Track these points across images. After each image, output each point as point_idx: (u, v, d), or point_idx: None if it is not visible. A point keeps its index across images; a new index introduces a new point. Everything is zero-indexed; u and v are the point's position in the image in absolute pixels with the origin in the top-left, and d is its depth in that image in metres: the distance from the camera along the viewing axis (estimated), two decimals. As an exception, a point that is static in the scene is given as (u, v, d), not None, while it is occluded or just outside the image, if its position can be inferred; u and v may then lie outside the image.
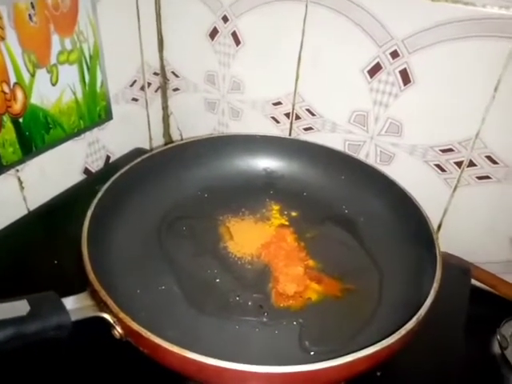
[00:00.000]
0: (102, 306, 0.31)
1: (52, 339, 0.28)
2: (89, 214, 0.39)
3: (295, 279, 0.42)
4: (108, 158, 0.66)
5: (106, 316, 0.31)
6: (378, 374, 0.38)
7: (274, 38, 0.58)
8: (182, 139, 0.76)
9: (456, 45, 0.46)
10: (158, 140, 0.77)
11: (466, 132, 0.50)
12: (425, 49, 0.48)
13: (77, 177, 0.62)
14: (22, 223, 0.54)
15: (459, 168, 0.53)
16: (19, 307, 0.27)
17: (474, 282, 0.53)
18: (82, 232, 0.36)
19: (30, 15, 0.48)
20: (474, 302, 0.47)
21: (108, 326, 0.31)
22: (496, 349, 0.47)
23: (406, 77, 0.51)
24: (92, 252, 0.35)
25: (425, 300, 0.33)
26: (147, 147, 0.74)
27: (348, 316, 0.40)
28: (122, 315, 0.30)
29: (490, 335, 0.48)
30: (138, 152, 0.68)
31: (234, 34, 0.60)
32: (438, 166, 0.54)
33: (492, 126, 0.49)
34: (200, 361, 0.27)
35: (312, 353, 0.36)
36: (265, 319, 0.39)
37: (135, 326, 0.29)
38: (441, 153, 0.53)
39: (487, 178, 0.51)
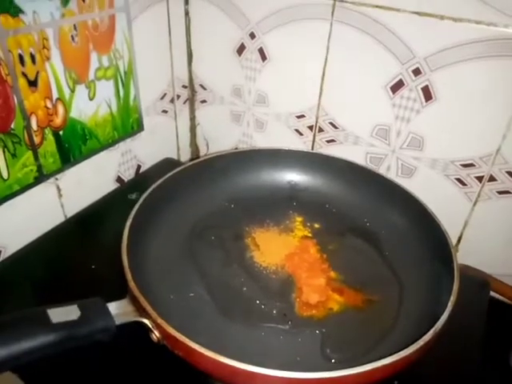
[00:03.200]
0: (141, 311, 0.33)
1: (97, 342, 0.31)
2: (128, 224, 0.41)
3: (318, 290, 0.44)
4: (139, 167, 0.69)
5: (146, 321, 0.33)
6: (396, 382, 0.40)
7: (299, 54, 0.59)
8: (207, 149, 0.78)
9: (478, 64, 0.47)
10: (185, 150, 0.79)
11: (486, 148, 0.51)
12: (447, 67, 0.49)
13: (110, 185, 0.65)
14: (60, 229, 0.57)
15: (480, 182, 0.53)
16: (71, 312, 0.29)
17: (492, 294, 0.53)
18: (122, 241, 0.38)
19: (72, 36, 0.51)
20: (493, 314, 0.48)
21: (146, 331, 0.34)
22: (514, 361, 0.47)
23: (427, 93, 0.52)
24: (131, 260, 0.37)
25: (442, 313, 0.35)
26: (175, 157, 0.77)
27: (368, 326, 0.41)
28: (160, 321, 0.32)
29: (508, 348, 0.48)
30: (166, 162, 0.71)
31: (261, 50, 0.62)
32: (458, 180, 0.54)
33: (513, 142, 0.49)
34: (232, 365, 0.29)
35: (333, 360, 0.38)
36: (288, 327, 0.41)
37: (172, 331, 0.31)
38: (462, 167, 0.53)
39: (508, 192, 0.52)
